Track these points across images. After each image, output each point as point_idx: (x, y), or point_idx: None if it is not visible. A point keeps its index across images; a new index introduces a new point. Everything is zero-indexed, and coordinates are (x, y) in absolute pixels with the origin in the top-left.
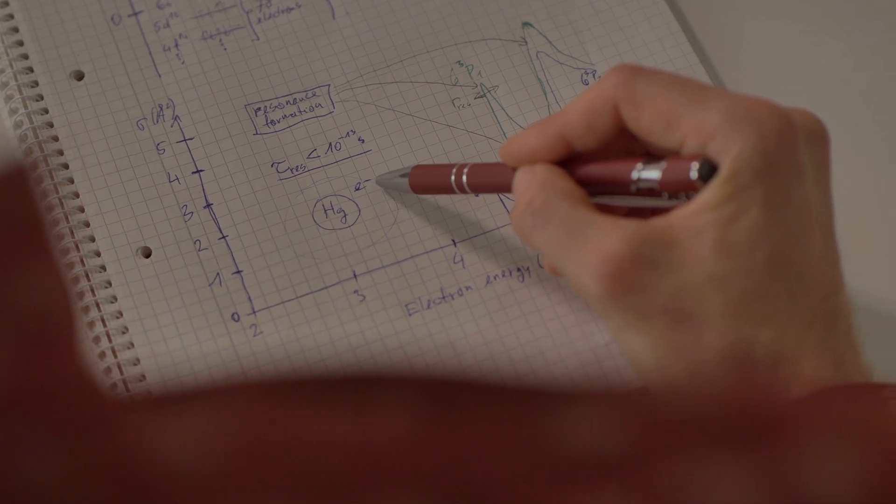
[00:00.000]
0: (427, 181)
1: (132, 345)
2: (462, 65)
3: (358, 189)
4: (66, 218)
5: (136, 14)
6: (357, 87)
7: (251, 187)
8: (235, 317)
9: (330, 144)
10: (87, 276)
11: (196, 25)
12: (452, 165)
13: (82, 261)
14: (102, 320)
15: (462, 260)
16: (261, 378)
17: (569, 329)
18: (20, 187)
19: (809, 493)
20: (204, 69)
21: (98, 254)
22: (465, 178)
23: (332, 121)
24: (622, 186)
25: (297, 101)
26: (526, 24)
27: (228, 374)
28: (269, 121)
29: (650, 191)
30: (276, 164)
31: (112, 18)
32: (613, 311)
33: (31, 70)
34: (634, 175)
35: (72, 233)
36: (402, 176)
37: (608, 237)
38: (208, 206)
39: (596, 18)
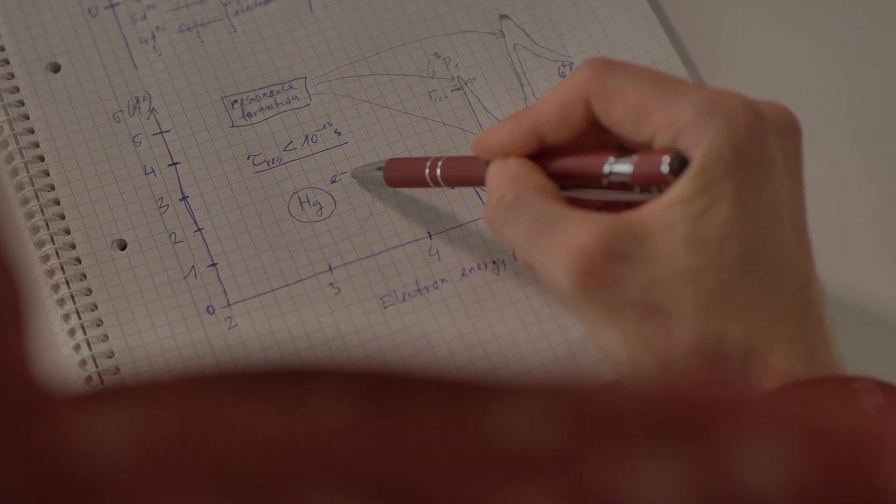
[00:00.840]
0: (401, 175)
1: (107, 337)
2: (439, 57)
3: (334, 182)
4: (42, 210)
5: (112, 6)
6: (334, 79)
7: (227, 180)
8: (210, 309)
9: (306, 137)
10: (62, 268)
11: (173, 17)
12: (427, 159)
13: (57, 253)
14: (77, 313)
15: (438, 252)
16: (199, 371)
17: (543, 322)
18: None
19: (738, 487)
20: (181, 61)
21: (73, 246)
22: (438, 171)
23: (308, 113)
24: (594, 180)
25: (274, 93)
26: (503, 17)
27: (169, 367)
28: (245, 113)
29: (622, 185)
30: (252, 157)
31: (89, 10)
32: (585, 305)
33: (6, 62)
34: (606, 169)
35: (47, 225)
36: (378, 169)
37: (579, 231)
38: (184, 198)
39: (573, 10)
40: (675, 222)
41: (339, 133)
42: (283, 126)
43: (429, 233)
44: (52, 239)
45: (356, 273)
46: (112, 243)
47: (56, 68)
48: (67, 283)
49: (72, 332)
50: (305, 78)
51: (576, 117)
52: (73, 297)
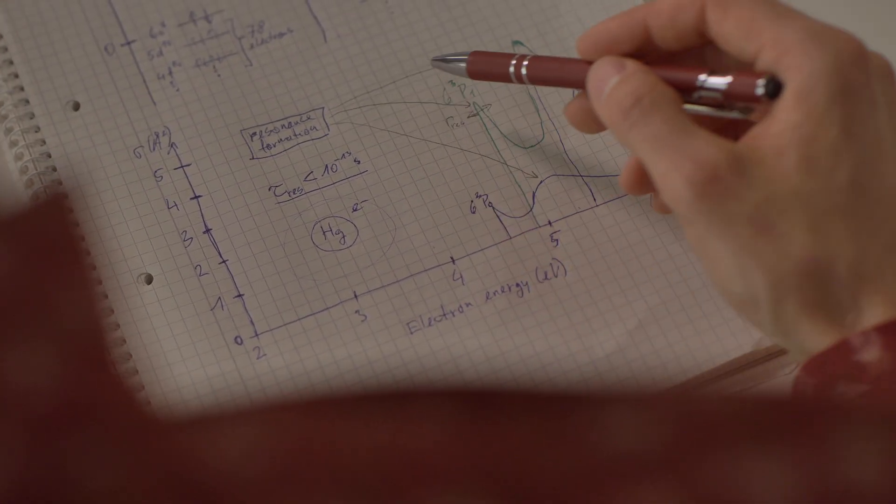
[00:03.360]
0: (485, 68)
1: (136, 371)
2: (454, 84)
3: (355, 210)
4: None
5: (129, 43)
6: (351, 108)
7: (249, 211)
8: (238, 340)
9: (326, 166)
10: None
11: (189, 53)
12: (511, 56)
13: None
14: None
15: (461, 277)
16: (298, 396)
17: (570, 342)
18: (57, 213)
19: (846, 483)
20: (198, 96)
21: (100, 282)
22: (524, 70)
23: (327, 143)
24: (687, 90)
25: (292, 124)
26: (516, 43)
27: (265, 395)
28: (264, 145)
29: (710, 104)
30: (273, 188)
31: (105, 48)
32: (699, 215)
33: (26, 102)
34: (700, 80)
35: None
36: (461, 61)
37: (705, 143)
38: (207, 231)
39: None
40: (786, 147)
41: (359, 162)
42: (302, 156)
43: (451, 257)
44: None
45: (381, 300)
46: (138, 278)
47: (76, 106)
48: None
49: None
50: (323, 108)
51: (686, 20)
52: None
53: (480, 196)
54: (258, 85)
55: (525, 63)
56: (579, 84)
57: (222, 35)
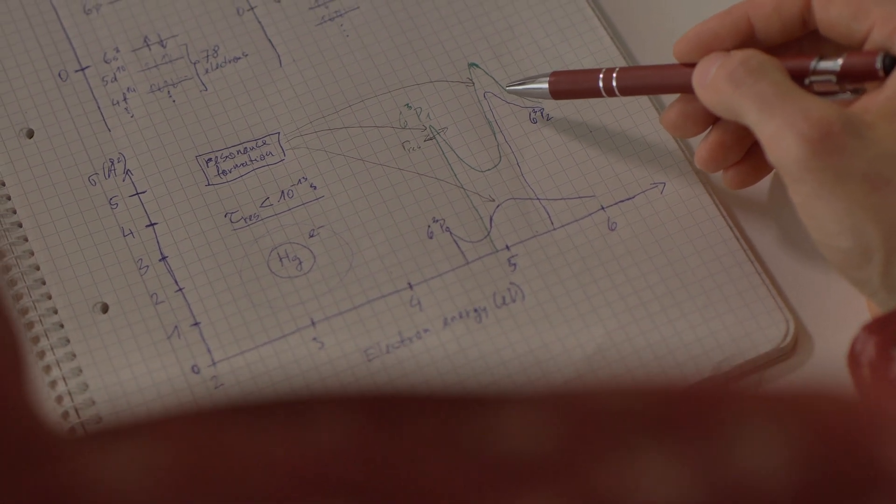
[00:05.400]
0: (569, 86)
1: (93, 402)
2: (410, 107)
3: (312, 236)
4: (23, 277)
5: (83, 69)
6: (307, 133)
7: (206, 238)
8: (195, 369)
9: (282, 192)
10: (45, 334)
11: (143, 78)
12: (598, 70)
13: (41, 319)
14: (63, 379)
15: (419, 303)
16: (198, 405)
17: (528, 369)
18: None
19: (742, 478)
20: (153, 122)
21: (56, 311)
22: (614, 82)
23: (283, 168)
24: (799, 76)
25: (248, 150)
26: (472, 65)
27: (166, 405)
28: (220, 171)
29: (822, 87)
30: (229, 214)
31: (59, 74)
32: (811, 173)
33: None
34: (812, 65)
35: (29, 292)
36: (540, 82)
37: (818, 104)
38: (163, 258)
39: (541, 56)
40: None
41: (315, 187)
42: (258, 182)
43: (409, 283)
44: (34, 305)
45: (339, 327)
46: (94, 307)
47: (30, 133)
48: (52, 348)
49: (59, 400)
50: (278, 133)
51: (791, 9)
52: (58, 364)
53: (437, 221)
54: (213, 110)
55: (614, 75)
56: (680, 87)
57: (177, 60)
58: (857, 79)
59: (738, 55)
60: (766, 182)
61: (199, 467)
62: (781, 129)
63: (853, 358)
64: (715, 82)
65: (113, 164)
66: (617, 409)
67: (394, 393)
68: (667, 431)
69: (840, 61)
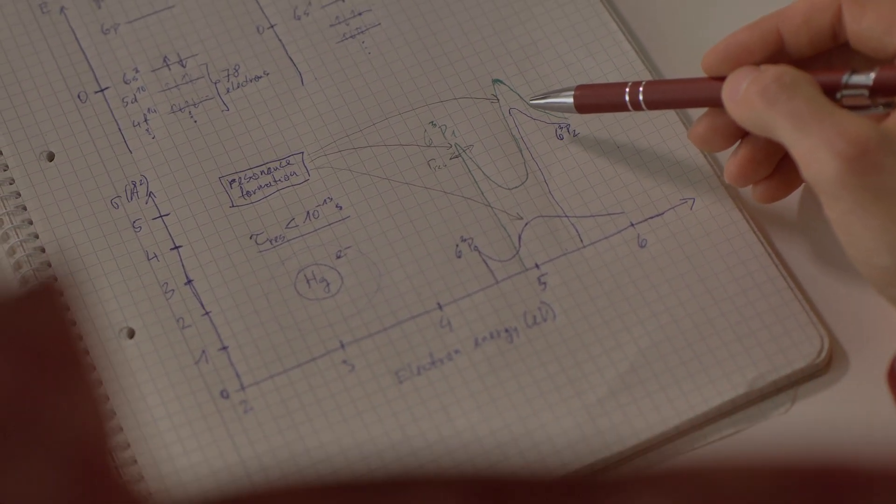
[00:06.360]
0: (595, 100)
1: (121, 429)
2: (435, 125)
3: (339, 257)
4: None
5: (102, 90)
6: (331, 153)
7: (231, 261)
8: (224, 394)
9: (308, 213)
10: None
11: (164, 98)
12: (625, 84)
13: None
14: None
15: (449, 323)
16: (301, 483)
17: (561, 388)
18: (49, 306)
19: None
20: (175, 143)
21: (81, 338)
22: (641, 96)
23: (308, 189)
24: (830, 91)
25: (272, 170)
26: (496, 81)
27: (267, 479)
28: (244, 192)
29: (853, 102)
30: (254, 236)
31: (79, 96)
32: (848, 190)
33: (0, 153)
34: (844, 79)
35: None
36: (564, 96)
37: (854, 121)
38: (189, 282)
39: (565, 71)
40: None
41: (341, 207)
42: (283, 203)
43: (438, 303)
44: None
45: (369, 349)
46: (120, 332)
47: (50, 157)
48: None
49: None
50: (302, 153)
51: (822, 20)
52: None
53: (466, 240)
54: (235, 130)
55: (641, 89)
56: (709, 102)
57: (197, 80)
58: (889, 93)
59: (771, 71)
60: (796, 196)
61: None
62: (817, 147)
63: (893, 376)
64: (747, 98)
65: (136, 186)
66: (743, 489)
67: (503, 477)
68: None
69: (873, 75)
